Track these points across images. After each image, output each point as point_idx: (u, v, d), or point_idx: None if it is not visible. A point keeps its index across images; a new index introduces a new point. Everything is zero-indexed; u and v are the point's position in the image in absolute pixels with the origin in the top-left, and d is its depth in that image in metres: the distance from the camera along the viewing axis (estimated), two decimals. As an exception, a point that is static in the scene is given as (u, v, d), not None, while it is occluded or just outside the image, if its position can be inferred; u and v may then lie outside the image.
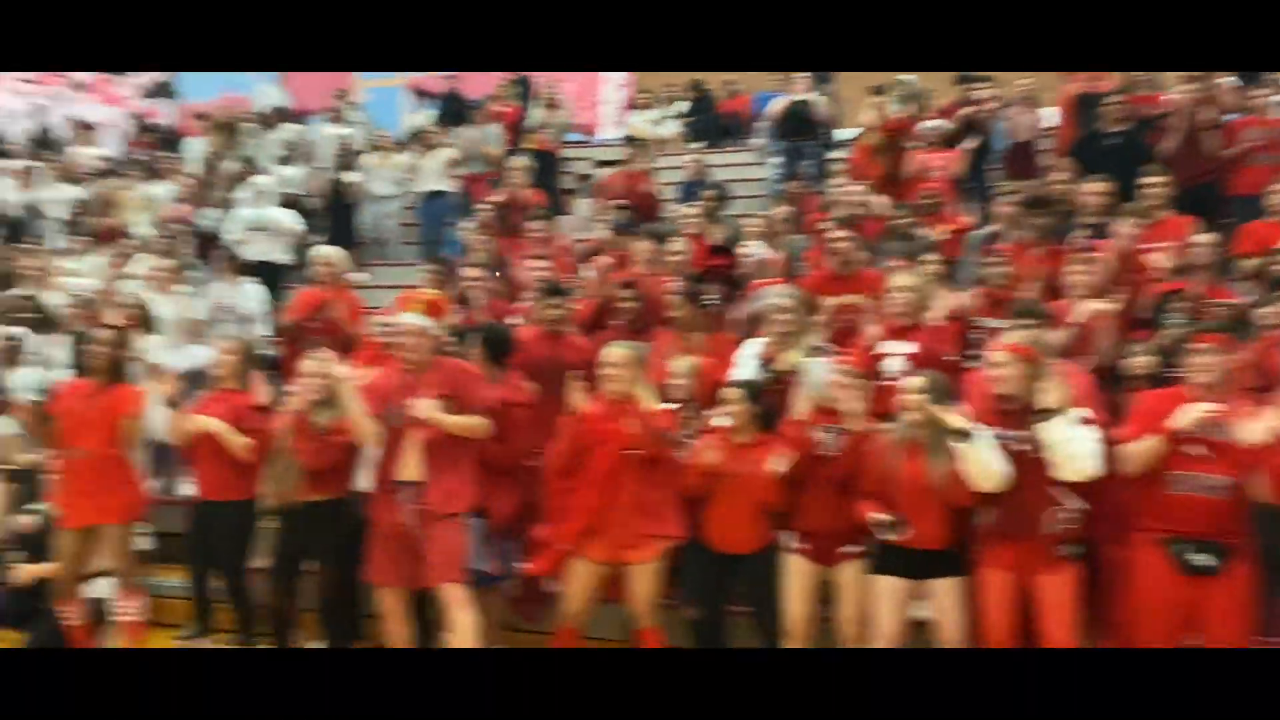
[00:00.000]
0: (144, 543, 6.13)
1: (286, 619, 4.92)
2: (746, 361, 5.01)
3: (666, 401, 4.55)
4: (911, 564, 4.06)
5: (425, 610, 4.60)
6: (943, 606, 4.04)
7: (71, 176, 10.32)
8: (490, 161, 9.69)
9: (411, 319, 4.28)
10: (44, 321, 6.81)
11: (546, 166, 10.13)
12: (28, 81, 15.95)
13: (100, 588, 5.32)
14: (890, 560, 4.11)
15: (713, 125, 12.30)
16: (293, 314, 6.69)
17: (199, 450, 5.07)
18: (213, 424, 4.89)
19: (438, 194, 9.95)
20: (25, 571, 5.40)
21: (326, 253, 6.95)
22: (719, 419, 4.49)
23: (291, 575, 4.82)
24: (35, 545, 5.47)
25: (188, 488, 6.62)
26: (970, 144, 8.15)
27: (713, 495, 4.45)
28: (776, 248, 6.84)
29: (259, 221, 8.65)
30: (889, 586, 4.10)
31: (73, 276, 7.69)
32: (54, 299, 7.12)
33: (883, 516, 4.05)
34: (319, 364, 4.69)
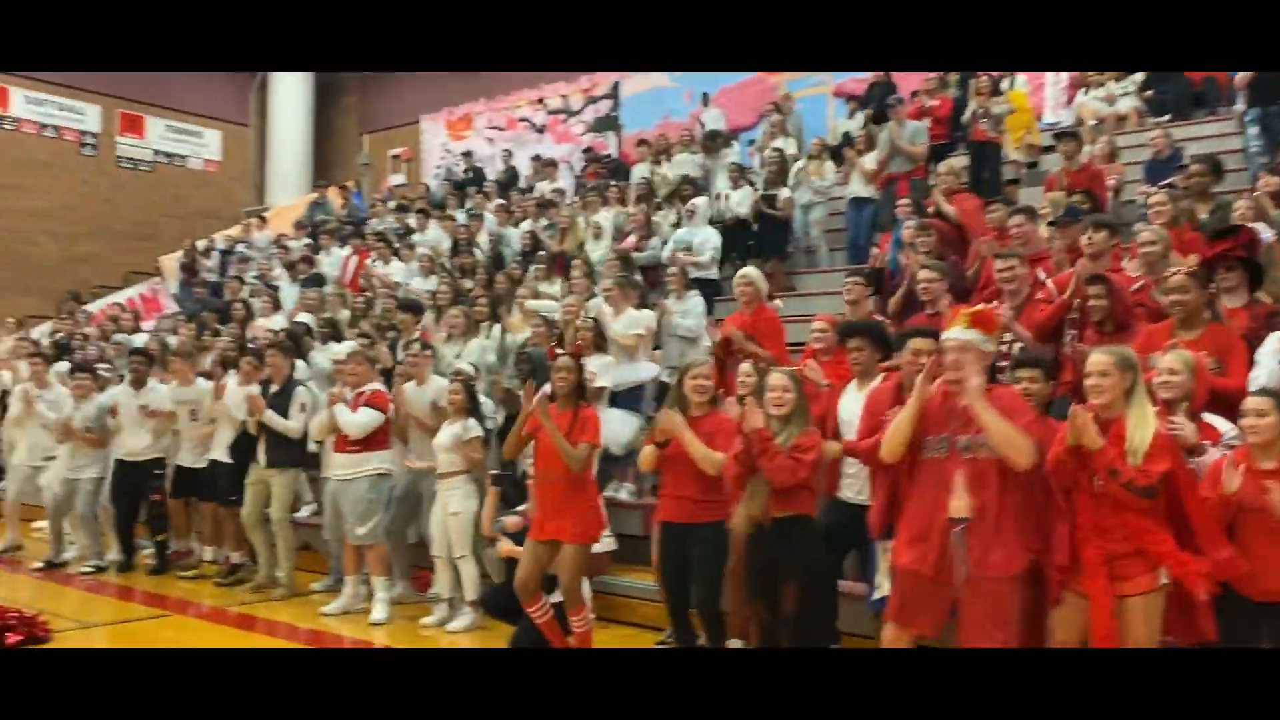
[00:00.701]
0: (608, 544, 6.50)
1: (766, 630, 4.76)
2: (1269, 361, 4.15)
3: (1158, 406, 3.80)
4: None
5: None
6: None
7: (532, 209, 11.36)
8: (914, 159, 9.21)
9: (960, 334, 3.73)
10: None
11: (986, 158, 9.49)
12: (497, 128, 17.99)
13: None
14: None
15: (1182, 95, 10.81)
16: (722, 334, 6.74)
17: (672, 469, 4.94)
18: (694, 446, 4.72)
19: (864, 200, 9.66)
20: (503, 548, 5.79)
21: (747, 272, 6.90)
22: (1237, 435, 3.71)
23: (764, 592, 4.65)
24: (520, 542, 5.86)
25: (625, 493, 7.01)
26: None
27: (1241, 531, 3.67)
28: (1272, 225, 5.83)
29: (690, 241, 8.90)
30: None
31: (538, 301, 8.35)
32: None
33: None
34: (783, 379, 4.53)
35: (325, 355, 8.32)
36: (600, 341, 6.86)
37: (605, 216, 10.17)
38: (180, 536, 8.25)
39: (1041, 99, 11.17)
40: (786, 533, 4.45)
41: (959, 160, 9.10)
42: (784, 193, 9.84)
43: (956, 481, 3.64)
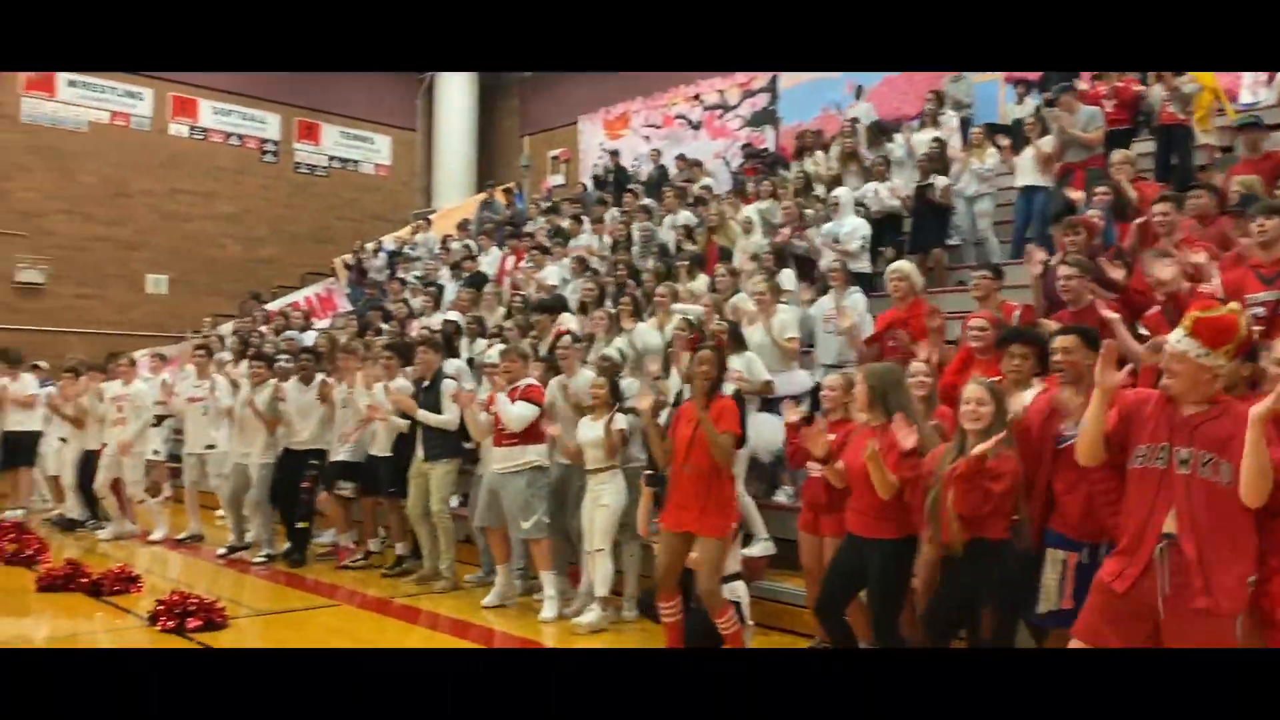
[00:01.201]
0: (766, 548, 6.36)
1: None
2: None
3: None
4: None
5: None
6: None
7: (683, 206, 11.29)
8: (1089, 147, 8.63)
9: (1175, 340, 3.30)
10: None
11: (1175, 143, 8.82)
12: (654, 126, 18.03)
13: (733, 591, 5.44)
14: None
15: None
16: (873, 332, 6.50)
17: (853, 481, 4.68)
18: (876, 471, 4.42)
19: (1034, 188, 9.13)
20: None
21: (900, 266, 6.62)
22: None
23: (949, 616, 4.40)
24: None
25: (784, 496, 6.83)
26: None
27: None
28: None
29: (838, 233, 8.63)
30: None
31: (682, 305, 8.26)
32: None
33: None
34: (980, 390, 4.20)
35: (472, 352, 8.51)
36: (738, 342, 6.70)
37: (755, 211, 9.99)
38: (337, 529, 8.58)
39: (1238, 78, 10.30)
40: (978, 558, 4.13)
41: (1133, 149, 8.47)
42: (941, 181, 9.42)
43: (1173, 497, 3.26)
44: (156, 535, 9.22)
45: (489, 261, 12.47)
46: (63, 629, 6.19)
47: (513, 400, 6.53)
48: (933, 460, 4.30)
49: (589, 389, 6.39)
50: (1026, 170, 9.23)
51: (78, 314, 16.97)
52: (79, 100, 17.18)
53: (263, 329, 12.79)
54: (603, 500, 6.15)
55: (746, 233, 9.75)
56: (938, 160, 9.61)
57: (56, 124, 17.01)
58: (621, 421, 6.19)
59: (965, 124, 11.15)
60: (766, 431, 6.54)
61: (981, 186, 9.89)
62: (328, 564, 8.21)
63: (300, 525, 8.31)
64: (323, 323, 13.30)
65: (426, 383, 7.43)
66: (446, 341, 8.38)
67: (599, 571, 6.16)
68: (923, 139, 10.29)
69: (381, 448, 7.86)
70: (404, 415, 7.51)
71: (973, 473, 4.01)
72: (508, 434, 6.54)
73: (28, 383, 10.43)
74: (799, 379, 6.94)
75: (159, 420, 9.60)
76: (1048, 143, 9.04)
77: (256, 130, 19.24)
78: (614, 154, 16.03)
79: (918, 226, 9.52)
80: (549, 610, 6.38)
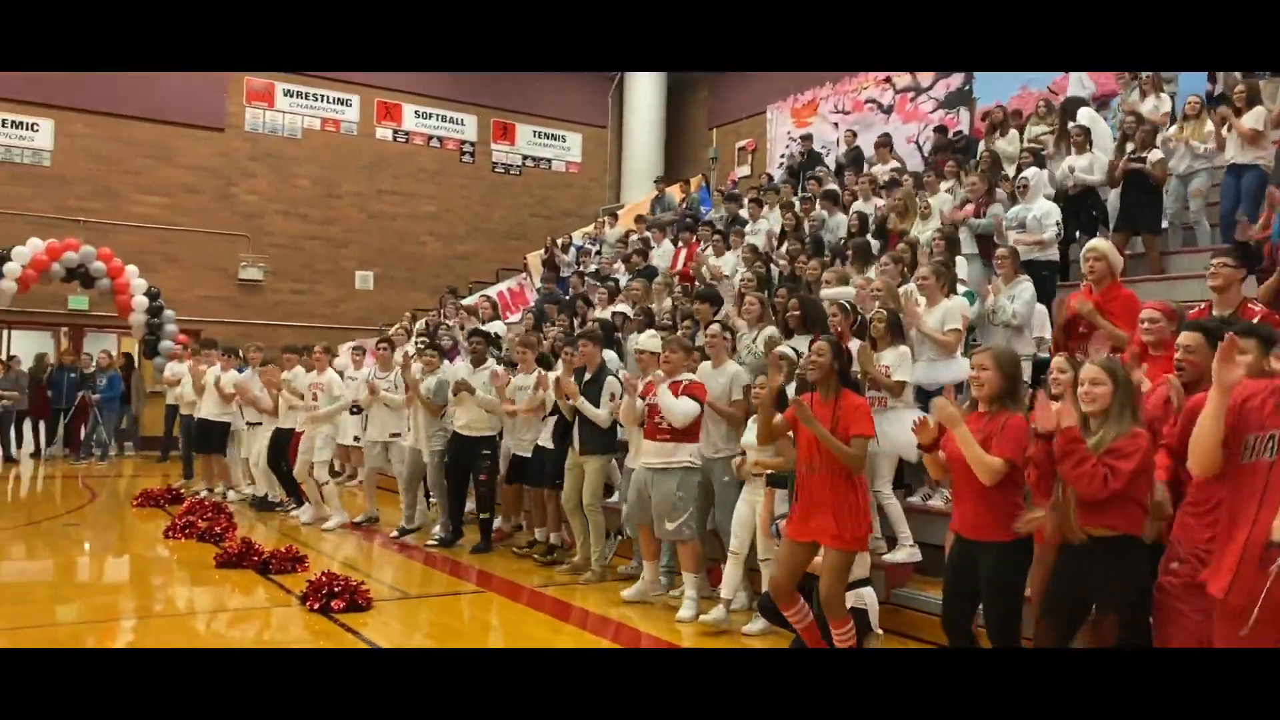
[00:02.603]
0: (910, 554, 5.94)
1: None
2: None
3: None
4: None
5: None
6: None
7: (868, 191, 10.79)
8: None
9: None
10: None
11: None
12: (843, 112, 17.46)
13: (859, 598, 5.11)
14: None
15: None
16: (1068, 312, 5.89)
17: (956, 473, 4.23)
18: (968, 447, 4.00)
19: (1244, 166, 8.12)
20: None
21: (1097, 245, 6.00)
22: None
23: (1070, 620, 3.93)
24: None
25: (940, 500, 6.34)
26: None
27: None
28: None
29: (1024, 218, 7.96)
30: None
31: (832, 290, 7.86)
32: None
33: None
34: (1095, 370, 3.80)
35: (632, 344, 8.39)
36: (896, 332, 6.24)
37: (940, 197, 9.39)
38: (509, 518, 8.68)
39: None
40: (1102, 555, 3.69)
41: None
42: (1154, 154, 8.53)
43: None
44: (335, 520, 9.64)
45: (660, 254, 12.39)
46: (232, 601, 6.55)
47: (676, 393, 6.30)
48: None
49: (754, 390, 6.07)
50: (1235, 146, 8.23)
51: (293, 308, 18.20)
52: (294, 109, 18.39)
53: (449, 321, 13.22)
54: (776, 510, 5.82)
55: (924, 218, 9.19)
56: (1148, 133, 8.72)
57: (275, 132, 18.28)
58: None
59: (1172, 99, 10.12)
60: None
61: (1195, 163, 8.91)
62: (504, 553, 8.31)
63: (483, 516, 8.48)
64: (514, 317, 13.62)
65: (589, 375, 7.39)
66: (608, 333, 8.31)
67: (730, 575, 5.93)
68: (1144, 108, 9.42)
69: (547, 438, 7.90)
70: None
71: (1066, 447, 3.62)
72: (662, 428, 6.33)
73: (230, 376, 11.13)
74: (954, 368, 6.41)
75: (356, 409, 10.03)
76: (1252, 117, 8.03)
77: (455, 132, 20.01)
78: (806, 138, 15.57)
79: (1126, 205, 8.65)
80: (687, 610, 6.17)
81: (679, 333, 7.85)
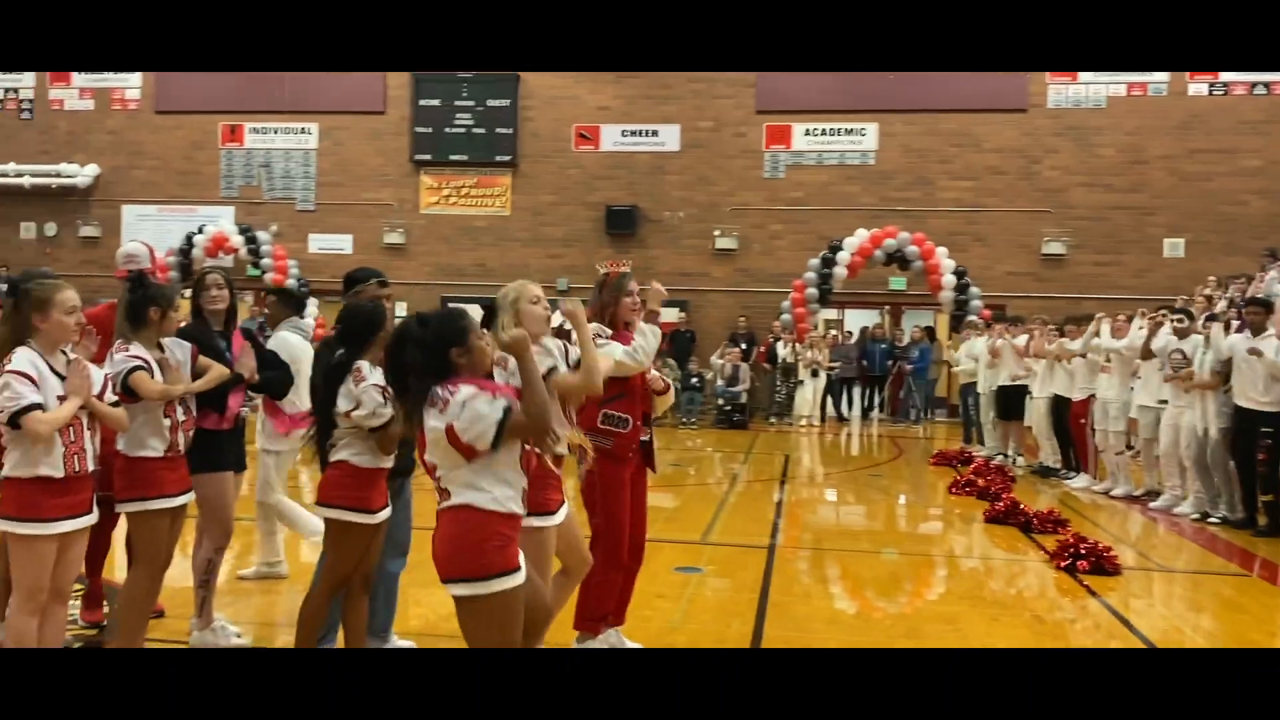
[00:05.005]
0: None
1: None
2: None
3: None
4: None
5: None
6: None
7: None
8: None
9: None
10: None
11: None
12: None
13: None
14: None
15: None
16: None
17: None
18: None
19: None
20: None
21: None
22: None
23: None
24: None
25: None
26: None
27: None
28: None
29: None
30: None
31: None
32: None
33: None
34: None
35: None
36: None
37: None
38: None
39: None
40: None
41: None
42: None
43: None
44: (1119, 489, 9.64)
45: None
46: (992, 552, 7.25)
47: None
48: None
49: None
50: None
51: (1096, 280, 18.04)
52: (1095, 80, 18.14)
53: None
54: None
55: None
56: None
57: (1079, 105, 18.27)
58: None
59: None
60: None
61: None
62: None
63: (1264, 498, 7.89)
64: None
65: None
66: None
67: None
68: None
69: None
70: None
71: None
72: None
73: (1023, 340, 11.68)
74: None
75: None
76: None
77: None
78: None
79: None
80: None
81: None
